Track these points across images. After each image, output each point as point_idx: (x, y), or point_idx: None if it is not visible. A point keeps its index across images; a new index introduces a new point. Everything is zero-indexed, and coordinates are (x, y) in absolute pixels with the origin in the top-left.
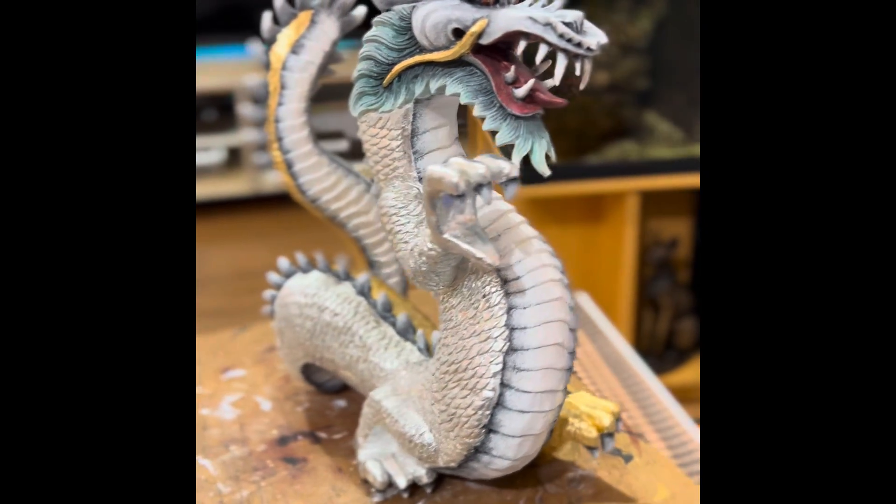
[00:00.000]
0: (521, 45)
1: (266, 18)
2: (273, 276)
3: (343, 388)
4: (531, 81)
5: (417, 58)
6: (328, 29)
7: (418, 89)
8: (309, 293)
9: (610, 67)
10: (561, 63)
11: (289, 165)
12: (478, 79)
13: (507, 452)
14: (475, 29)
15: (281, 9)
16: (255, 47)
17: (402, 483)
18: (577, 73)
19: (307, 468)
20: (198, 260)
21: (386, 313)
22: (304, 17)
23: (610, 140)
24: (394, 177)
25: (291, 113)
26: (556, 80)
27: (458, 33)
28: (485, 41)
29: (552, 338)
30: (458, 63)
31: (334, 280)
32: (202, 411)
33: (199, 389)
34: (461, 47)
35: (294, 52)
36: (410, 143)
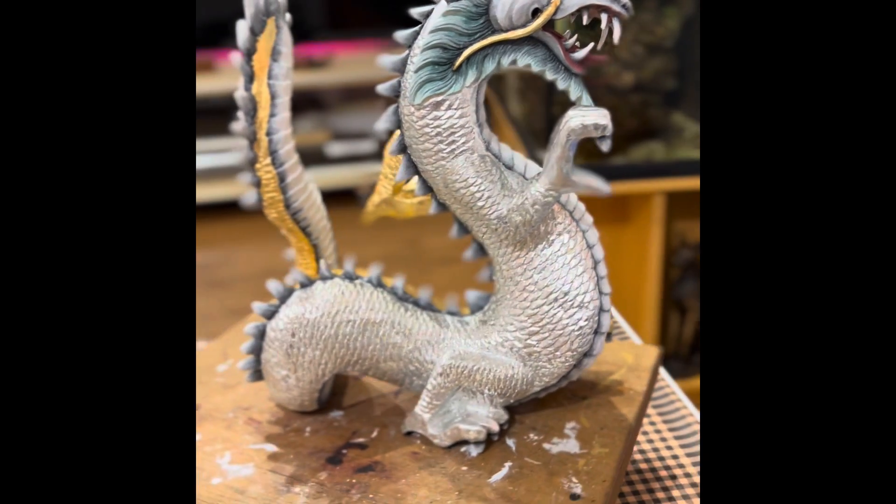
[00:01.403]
0: (586, 17)
1: (243, 28)
2: (259, 307)
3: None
4: (590, 45)
5: (494, 38)
6: (288, 33)
7: (489, 67)
8: (338, 300)
9: (636, 67)
10: (617, 27)
11: (281, 179)
12: (541, 50)
13: (600, 347)
14: (551, 9)
15: (255, 17)
16: (236, 58)
17: (495, 427)
18: (617, 35)
19: (387, 467)
20: (227, 260)
21: (406, 295)
22: (270, 23)
23: (636, 140)
24: (460, 152)
25: (283, 123)
26: (616, 40)
27: (536, 12)
28: (558, 16)
29: (603, 248)
30: (524, 39)
31: (349, 281)
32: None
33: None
34: (539, 25)
35: (274, 59)
36: (476, 116)
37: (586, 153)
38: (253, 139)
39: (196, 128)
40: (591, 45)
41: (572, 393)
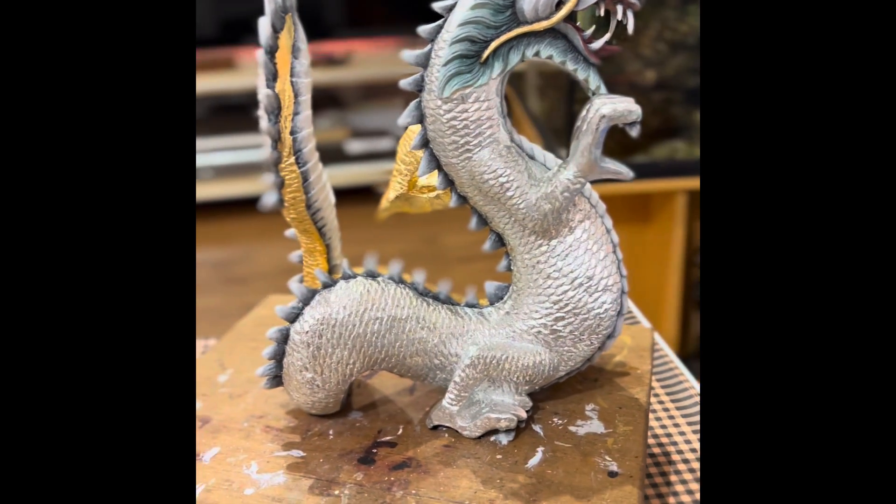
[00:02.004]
0: (602, 8)
1: (265, 25)
2: (282, 310)
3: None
4: (606, 36)
5: (519, 30)
6: (302, 30)
7: (515, 58)
8: (365, 298)
9: (659, 65)
10: (630, 18)
11: (304, 179)
12: (561, 41)
13: (620, 329)
14: (573, 1)
15: (276, 14)
16: (261, 56)
17: (524, 413)
18: (631, 26)
19: (422, 462)
20: (246, 256)
21: (426, 290)
22: (289, 20)
23: (658, 138)
24: (487, 144)
25: (306, 121)
26: (630, 29)
27: (558, 5)
28: (579, 8)
29: (624, 247)
30: (546, 30)
31: (372, 279)
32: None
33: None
34: (562, 16)
35: (294, 56)
36: (500, 107)
37: (608, 152)
38: (277, 138)
39: (215, 125)
40: (608, 35)
41: (583, 376)
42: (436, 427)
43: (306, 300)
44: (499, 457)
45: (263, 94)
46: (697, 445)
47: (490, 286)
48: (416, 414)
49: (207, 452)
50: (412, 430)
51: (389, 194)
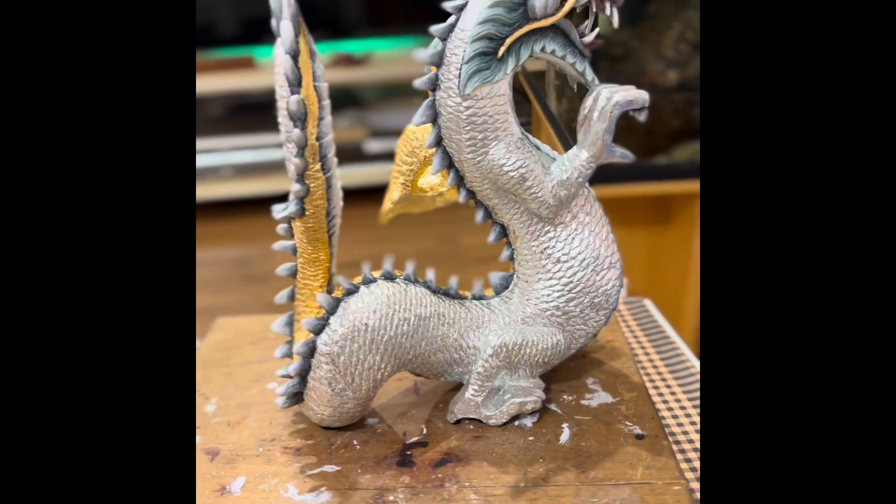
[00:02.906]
0: (594, 6)
1: (288, 29)
2: (309, 322)
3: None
4: (596, 30)
5: (531, 26)
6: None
7: (525, 54)
8: (391, 300)
9: (680, 66)
10: (615, 14)
11: (328, 186)
12: (560, 37)
13: (618, 302)
14: None
15: (294, 18)
16: (286, 60)
17: (542, 394)
18: (616, 21)
19: (461, 456)
20: (264, 255)
21: (438, 287)
22: (301, 23)
23: (679, 140)
24: (503, 137)
25: (329, 126)
26: (615, 24)
27: (562, 2)
28: (579, 4)
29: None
30: (550, 26)
31: (391, 281)
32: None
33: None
34: (567, 10)
35: (312, 60)
36: (511, 101)
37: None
38: (304, 145)
39: (235, 124)
40: (597, 30)
41: (571, 355)
42: (458, 421)
43: (332, 309)
44: (531, 438)
45: (292, 100)
46: (693, 412)
47: (495, 276)
48: (432, 411)
49: (234, 483)
50: (436, 428)
51: (392, 196)
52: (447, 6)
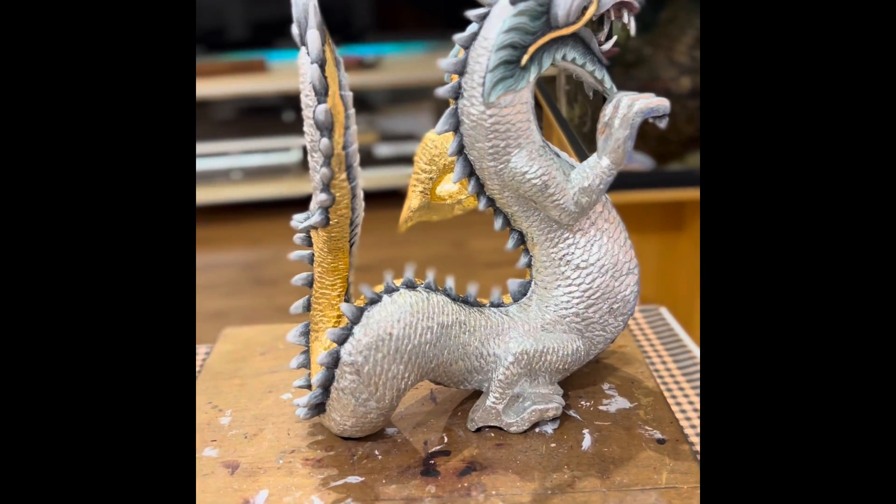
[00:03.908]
0: (614, 13)
1: (315, 38)
2: (333, 332)
3: None
4: (613, 38)
5: (554, 34)
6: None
7: (547, 62)
8: (414, 309)
9: (693, 73)
10: (633, 22)
11: (353, 195)
12: (580, 45)
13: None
14: (594, 7)
15: (320, 25)
16: (313, 69)
17: (562, 401)
18: (633, 29)
19: (484, 464)
20: (275, 258)
21: (457, 295)
22: (325, 31)
23: (693, 147)
24: (525, 145)
25: (354, 135)
26: (632, 32)
27: (583, 10)
28: (599, 12)
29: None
30: (570, 35)
31: (413, 290)
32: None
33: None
34: (587, 19)
35: (338, 68)
36: (533, 109)
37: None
38: (331, 154)
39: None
40: (615, 38)
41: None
42: (479, 429)
43: (356, 319)
44: (553, 445)
45: (319, 109)
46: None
47: (513, 283)
48: (451, 419)
49: (257, 496)
50: (457, 436)
51: (411, 204)
52: (469, 15)
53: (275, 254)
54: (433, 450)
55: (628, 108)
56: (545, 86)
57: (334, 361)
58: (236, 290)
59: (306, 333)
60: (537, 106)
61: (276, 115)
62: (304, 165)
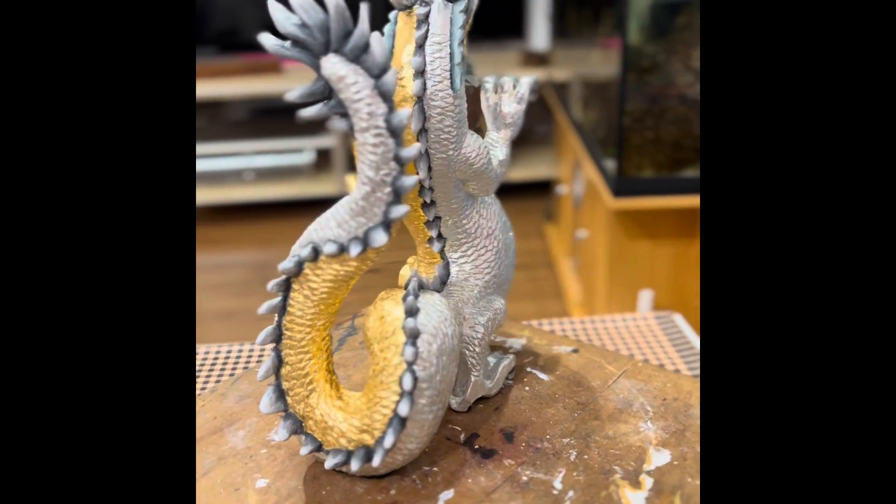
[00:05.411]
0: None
1: (378, 42)
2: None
3: None
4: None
5: (467, 27)
6: None
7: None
8: (442, 303)
9: None
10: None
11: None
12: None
13: None
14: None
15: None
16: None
17: (511, 355)
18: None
19: (499, 451)
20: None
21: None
22: None
23: None
24: (468, 131)
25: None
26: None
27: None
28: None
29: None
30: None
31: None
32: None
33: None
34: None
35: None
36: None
37: (657, 166)
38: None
39: (261, 129)
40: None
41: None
42: (470, 407)
43: (414, 333)
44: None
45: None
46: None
47: (438, 269)
48: (462, 417)
49: None
50: (461, 421)
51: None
52: (418, 13)
53: (286, 255)
54: (465, 438)
55: (526, 85)
56: (559, 91)
57: (413, 385)
58: (246, 290)
59: (282, 396)
60: (547, 111)
61: (289, 116)
62: (316, 167)
